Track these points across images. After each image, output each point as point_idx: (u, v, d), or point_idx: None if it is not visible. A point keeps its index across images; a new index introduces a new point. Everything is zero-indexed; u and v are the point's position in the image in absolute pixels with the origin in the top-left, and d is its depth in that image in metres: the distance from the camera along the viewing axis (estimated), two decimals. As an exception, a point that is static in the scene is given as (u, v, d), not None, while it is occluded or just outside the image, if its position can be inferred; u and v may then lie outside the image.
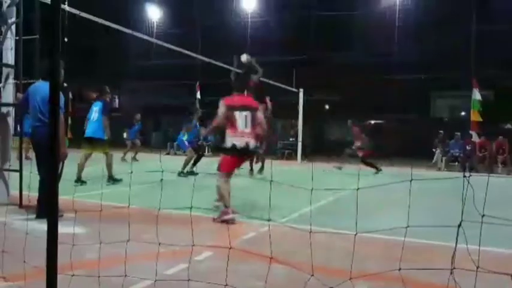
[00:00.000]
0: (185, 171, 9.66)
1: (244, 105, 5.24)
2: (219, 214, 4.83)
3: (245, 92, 5.59)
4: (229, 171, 5.17)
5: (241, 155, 5.17)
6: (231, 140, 5.08)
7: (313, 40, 20.19)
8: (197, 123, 10.58)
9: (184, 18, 22.32)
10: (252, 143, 5.18)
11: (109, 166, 7.87)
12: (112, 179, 7.84)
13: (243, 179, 8.83)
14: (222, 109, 5.17)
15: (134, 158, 14.05)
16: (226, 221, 4.65)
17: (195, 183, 7.85)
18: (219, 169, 5.10)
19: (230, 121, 5.10)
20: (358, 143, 12.00)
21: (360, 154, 11.80)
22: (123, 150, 14.17)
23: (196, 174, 9.62)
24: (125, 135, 15.01)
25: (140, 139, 15.00)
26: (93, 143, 7.69)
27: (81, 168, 7.49)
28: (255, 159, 10.55)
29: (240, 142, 5.05)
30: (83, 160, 7.60)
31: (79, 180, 7.32)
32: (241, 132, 5.10)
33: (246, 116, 5.20)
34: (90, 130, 7.78)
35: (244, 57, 6.37)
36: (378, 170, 11.65)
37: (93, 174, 7.79)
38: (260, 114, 5.41)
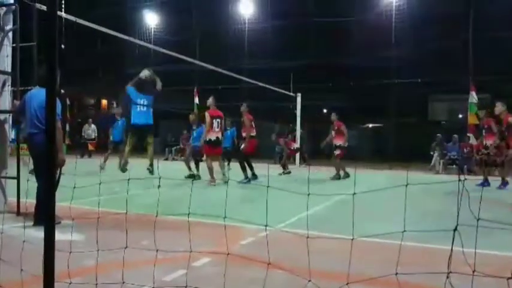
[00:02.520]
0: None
1: (218, 116, 9.00)
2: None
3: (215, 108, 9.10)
4: (209, 153, 9.00)
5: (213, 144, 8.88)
6: (209, 136, 8.84)
7: (311, 45, 20.26)
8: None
9: (182, 24, 22.34)
10: (220, 137, 8.95)
11: (152, 157, 8.24)
12: (151, 170, 8.09)
13: (239, 184, 8.82)
14: (208, 118, 8.88)
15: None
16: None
17: (192, 188, 7.84)
18: (206, 153, 9.16)
19: (211, 125, 8.84)
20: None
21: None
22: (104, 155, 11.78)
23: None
24: (111, 137, 11.96)
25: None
26: (146, 130, 8.20)
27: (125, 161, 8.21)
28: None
29: (213, 137, 8.84)
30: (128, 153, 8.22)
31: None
32: (215, 131, 8.87)
33: (218, 121, 8.95)
34: (146, 118, 8.14)
35: (143, 73, 8.32)
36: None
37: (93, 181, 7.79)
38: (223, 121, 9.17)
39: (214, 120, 8.86)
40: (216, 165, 9.04)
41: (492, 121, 9.37)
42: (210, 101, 9.16)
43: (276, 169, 12.74)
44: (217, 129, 8.88)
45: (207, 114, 8.92)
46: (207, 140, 8.87)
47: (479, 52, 16.46)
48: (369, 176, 11.71)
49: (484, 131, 9.59)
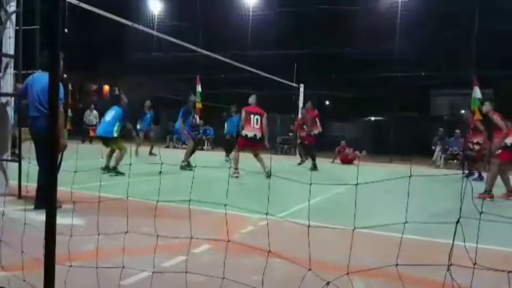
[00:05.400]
0: (184, 163, 9.64)
1: (256, 112, 8.81)
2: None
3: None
4: (241, 147, 8.86)
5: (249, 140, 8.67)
6: (245, 131, 8.69)
7: (314, 35, 20.12)
8: (193, 114, 10.72)
9: (185, 11, 22.19)
10: (258, 135, 8.68)
11: (118, 160, 8.24)
12: (115, 171, 8.15)
13: (242, 174, 8.83)
14: (243, 113, 8.82)
15: (151, 153, 13.14)
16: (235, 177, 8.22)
17: (194, 175, 7.85)
18: (237, 145, 9.07)
19: (247, 120, 8.72)
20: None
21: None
22: (135, 143, 12.74)
23: (193, 167, 9.46)
24: (138, 126, 13.02)
25: (151, 130, 13.53)
26: (104, 140, 8.42)
27: (108, 159, 8.28)
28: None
29: (250, 133, 8.66)
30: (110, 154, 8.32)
31: (113, 170, 8.11)
32: (253, 127, 8.68)
33: (257, 118, 8.74)
34: (101, 130, 8.52)
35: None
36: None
37: (94, 166, 7.81)
38: (264, 119, 8.80)
39: (252, 116, 8.79)
40: (256, 160, 8.78)
41: (477, 121, 10.34)
42: (251, 99, 9.12)
43: (276, 161, 12.74)
44: (256, 126, 8.72)
45: (243, 110, 8.94)
46: (243, 134, 8.85)
47: (483, 46, 16.33)
48: (370, 169, 11.70)
49: (470, 130, 10.55)
